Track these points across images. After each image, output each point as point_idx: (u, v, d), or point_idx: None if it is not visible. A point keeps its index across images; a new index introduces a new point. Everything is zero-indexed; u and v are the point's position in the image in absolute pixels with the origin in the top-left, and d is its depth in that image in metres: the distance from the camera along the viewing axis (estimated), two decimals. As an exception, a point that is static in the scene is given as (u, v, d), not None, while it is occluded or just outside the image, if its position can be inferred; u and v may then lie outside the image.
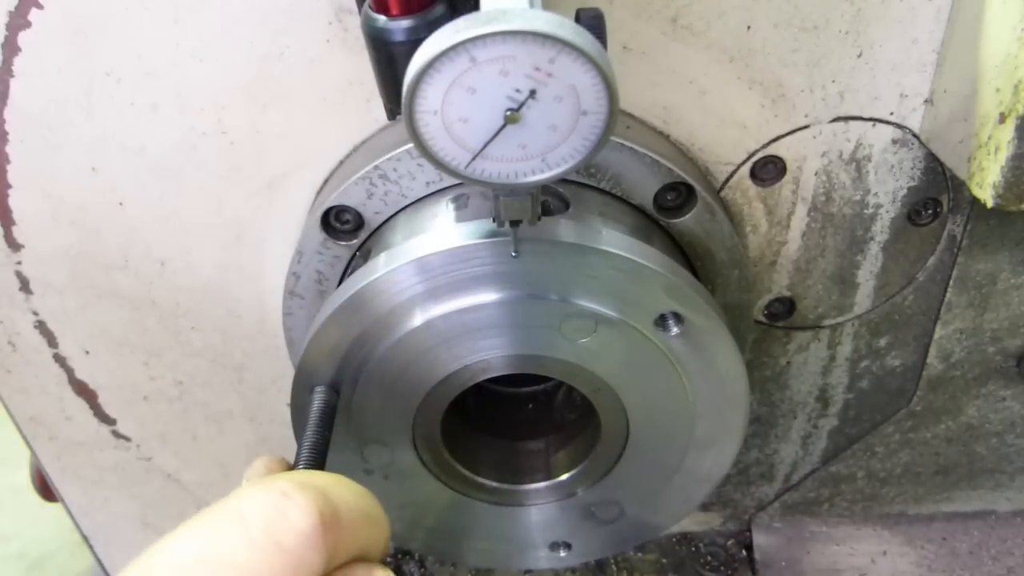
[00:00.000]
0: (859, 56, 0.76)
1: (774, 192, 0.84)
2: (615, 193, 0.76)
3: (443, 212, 0.73)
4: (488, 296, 0.66)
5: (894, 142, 0.81)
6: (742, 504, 1.15)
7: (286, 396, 0.96)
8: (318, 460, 0.62)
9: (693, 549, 1.17)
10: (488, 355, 0.69)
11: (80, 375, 0.96)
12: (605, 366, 0.70)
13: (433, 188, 0.75)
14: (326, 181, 0.82)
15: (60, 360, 0.94)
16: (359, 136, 0.80)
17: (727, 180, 0.83)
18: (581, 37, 0.49)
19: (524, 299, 0.66)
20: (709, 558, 1.15)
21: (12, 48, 0.73)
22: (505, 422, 0.91)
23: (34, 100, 0.76)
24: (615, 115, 0.51)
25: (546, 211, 0.70)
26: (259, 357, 0.95)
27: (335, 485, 0.49)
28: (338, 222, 0.78)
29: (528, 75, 0.50)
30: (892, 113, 0.80)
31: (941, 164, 0.82)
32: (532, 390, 0.94)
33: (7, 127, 0.77)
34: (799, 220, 0.86)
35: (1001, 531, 1.14)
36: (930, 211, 0.86)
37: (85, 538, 1.13)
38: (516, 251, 0.63)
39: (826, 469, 1.10)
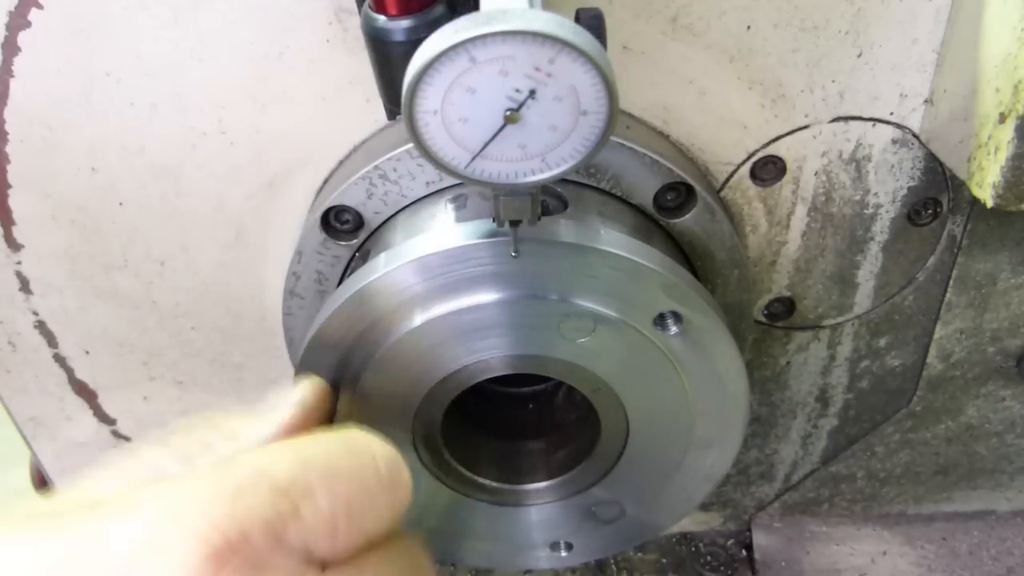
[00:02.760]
0: (859, 56, 0.76)
1: (774, 192, 0.84)
2: (615, 193, 0.76)
3: (443, 212, 0.73)
4: (488, 296, 0.65)
5: (894, 142, 0.81)
6: (742, 504, 1.15)
7: (286, 396, 0.96)
8: None
9: (693, 549, 1.17)
10: (488, 355, 0.69)
11: (80, 375, 0.96)
12: (605, 366, 0.70)
13: (433, 188, 0.75)
14: (326, 181, 0.82)
15: (60, 360, 0.94)
16: (359, 136, 0.80)
17: (727, 180, 0.83)
18: (581, 37, 0.49)
19: (524, 299, 0.66)
20: (709, 558, 1.15)
21: (12, 48, 0.73)
22: (505, 422, 0.90)
23: (34, 100, 0.76)
24: (615, 115, 0.51)
25: (546, 211, 0.70)
26: (259, 357, 0.95)
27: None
28: (338, 222, 0.78)
29: (528, 75, 0.50)
30: (892, 113, 0.80)
31: (941, 164, 0.82)
32: (532, 390, 0.94)
33: (7, 127, 0.77)
34: (799, 220, 0.86)
35: (1001, 531, 1.14)
36: (930, 211, 0.86)
37: (85, 538, 1.13)
38: (516, 251, 0.62)
39: (826, 469, 1.10)
